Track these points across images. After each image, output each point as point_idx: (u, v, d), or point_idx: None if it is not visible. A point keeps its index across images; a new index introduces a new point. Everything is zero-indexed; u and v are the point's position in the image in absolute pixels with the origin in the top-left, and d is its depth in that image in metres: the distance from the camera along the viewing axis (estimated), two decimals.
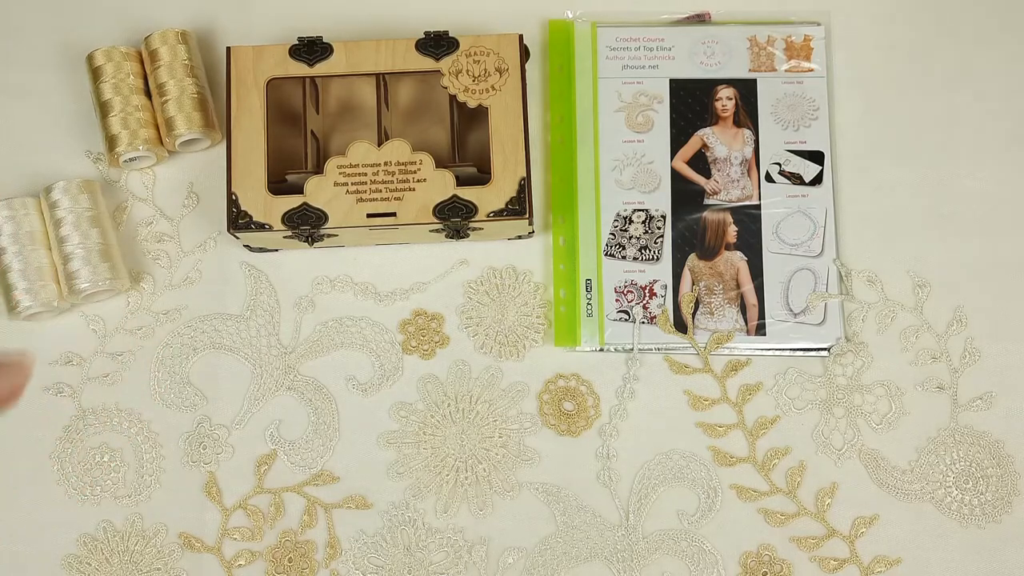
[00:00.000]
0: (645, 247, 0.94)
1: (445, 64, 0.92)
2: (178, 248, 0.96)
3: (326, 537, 0.91)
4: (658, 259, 0.94)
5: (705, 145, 0.96)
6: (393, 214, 0.90)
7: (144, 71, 0.96)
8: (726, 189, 0.95)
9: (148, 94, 0.96)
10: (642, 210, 0.95)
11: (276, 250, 0.96)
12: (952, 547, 0.90)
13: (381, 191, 0.90)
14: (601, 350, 0.93)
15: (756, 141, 0.96)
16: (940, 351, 0.93)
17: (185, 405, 0.93)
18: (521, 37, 0.92)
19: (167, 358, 0.94)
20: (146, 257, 0.96)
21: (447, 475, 0.91)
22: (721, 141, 0.96)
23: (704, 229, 0.95)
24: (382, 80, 0.94)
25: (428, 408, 0.93)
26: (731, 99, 0.97)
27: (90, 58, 0.96)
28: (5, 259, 0.92)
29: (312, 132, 0.96)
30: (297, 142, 0.95)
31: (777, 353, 0.93)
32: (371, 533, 0.91)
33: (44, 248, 0.93)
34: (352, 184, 0.90)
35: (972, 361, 0.93)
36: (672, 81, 0.97)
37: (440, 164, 0.91)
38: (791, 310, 0.93)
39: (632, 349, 0.93)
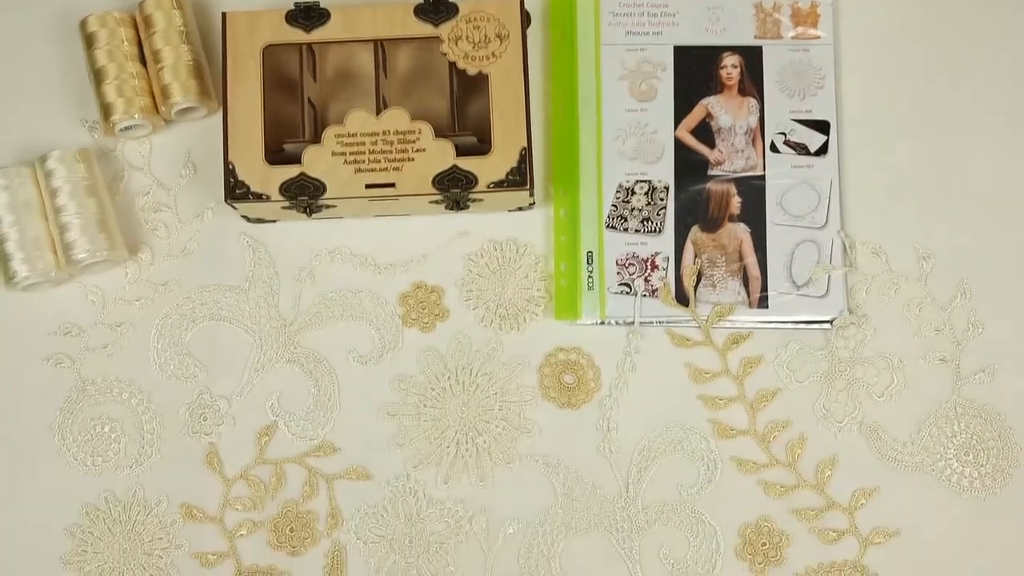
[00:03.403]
0: (647, 219, 0.93)
1: (444, 30, 0.90)
2: (176, 218, 0.96)
3: (327, 507, 0.91)
4: (660, 231, 0.93)
5: (709, 114, 0.95)
6: (392, 185, 0.89)
7: (139, 37, 0.95)
8: (730, 159, 0.94)
9: (143, 61, 0.95)
10: (644, 181, 0.94)
11: (274, 221, 0.95)
12: (951, 519, 0.90)
13: (380, 161, 0.89)
14: (602, 323, 0.93)
15: (761, 110, 0.94)
16: (943, 323, 0.93)
17: (185, 376, 0.93)
18: (522, 2, 0.90)
19: (166, 329, 0.94)
20: (144, 227, 0.95)
21: (448, 447, 0.91)
22: (726, 110, 0.95)
23: (707, 200, 0.94)
24: (380, 47, 0.92)
25: (428, 380, 0.92)
26: (736, 67, 0.95)
27: (83, 24, 0.94)
28: (2, 229, 0.92)
29: (309, 100, 0.94)
30: (294, 110, 0.93)
31: (779, 326, 0.93)
32: (372, 503, 0.91)
33: (40, 218, 0.92)
34: (350, 154, 0.89)
35: (975, 334, 0.92)
36: (676, 48, 0.95)
37: (439, 133, 0.90)
38: (794, 282, 0.92)
39: (633, 322, 0.92)
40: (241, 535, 0.91)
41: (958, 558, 0.90)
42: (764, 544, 0.90)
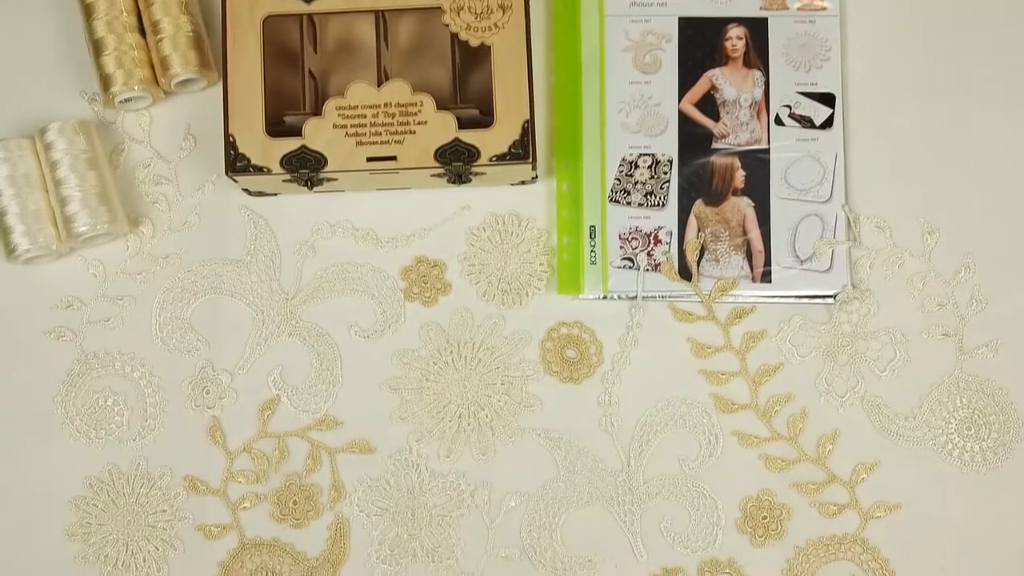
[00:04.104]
0: (651, 193, 0.93)
1: (446, 0, 0.89)
2: (176, 191, 0.95)
3: (330, 480, 0.92)
4: (664, 205, 0.93)
5: (714, 87, 0.94)
6: (393, 158, 0.88)
7: (138, 8, 0.94)
8: (734, 132, 0.93)
9: (142, 32, 0.94)
10: (648, 154, 0.93)
11: (275, 194, 0.94)
12: (952, 493, 0.90)
13: (381, 134, 0.88)
14: (604, 298, 0.92)
15: (766, 83, 0.94)
16: (947, 298, 0.92)
17: (187, 349, 0.93)
18: None
19: (168, 302, 0.93)
20: (144, 200, 0.95)
21: (450, 421, 0.92)
22: (730, 83, 0.94)
23: (711, 174, 0.93)
24: (381, 17, 0.91)
25: (430, 355, 0.92)
26: (741, 39, 0.94)
27: None
28: (2, 201, 0.91)
29: (310, 72, 0.93)
30: (295, 82, 0.93)
31: (782, 300, 0.92)
32: (375, 477, 0.91)
33: (41, 191, 0.92)
34: (351, 126, 0.89)
35: (979, 308, 0.92)
36: (681, 19, 0.94)
37: (441, 106, 0.89)
38: (797, 256, 0.92)
39: (636, 296, 0.92)
40: (244, 508, 0.91)
41: (959, 532, 0.90)
42: (765, 517, 0.90)
